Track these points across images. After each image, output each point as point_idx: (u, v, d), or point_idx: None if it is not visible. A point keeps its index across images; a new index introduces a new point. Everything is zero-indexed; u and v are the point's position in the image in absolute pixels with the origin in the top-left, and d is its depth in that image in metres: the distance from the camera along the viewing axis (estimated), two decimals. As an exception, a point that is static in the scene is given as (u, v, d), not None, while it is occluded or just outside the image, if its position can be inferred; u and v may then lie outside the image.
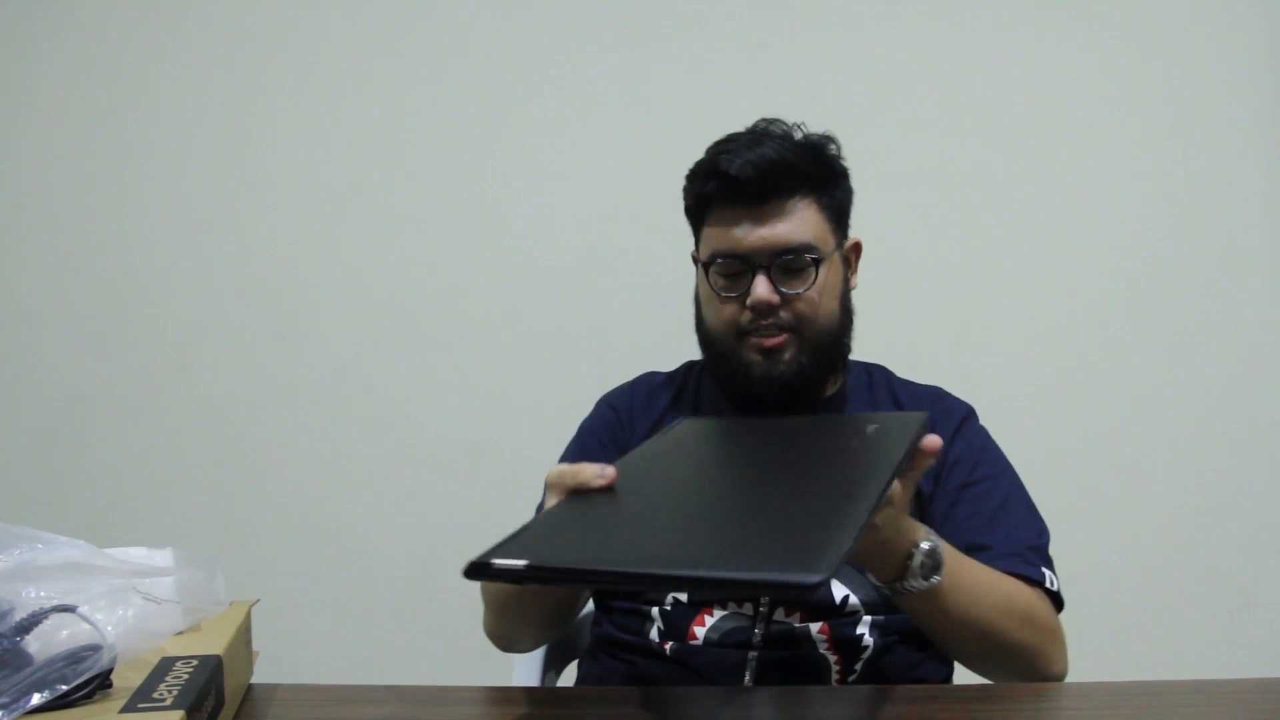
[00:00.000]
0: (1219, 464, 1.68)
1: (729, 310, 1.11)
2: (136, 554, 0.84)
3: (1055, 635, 0.98)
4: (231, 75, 1.75)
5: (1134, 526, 1.67)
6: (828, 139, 1.15)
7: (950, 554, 0.89)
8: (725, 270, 1.10)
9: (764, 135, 1.11)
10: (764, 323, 1.08)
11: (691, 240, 1.20)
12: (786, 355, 1.09)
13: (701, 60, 1.68)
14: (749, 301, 1.08)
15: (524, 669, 1.21)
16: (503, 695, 0.93)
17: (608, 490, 0.76)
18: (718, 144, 1.14)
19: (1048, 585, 1.00)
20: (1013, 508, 1.06)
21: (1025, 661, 0.95)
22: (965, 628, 0.92)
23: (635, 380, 1.28)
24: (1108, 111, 1.70)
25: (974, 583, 0.92)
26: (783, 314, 1.09)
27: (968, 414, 1.16)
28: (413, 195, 1.74)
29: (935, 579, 0.86)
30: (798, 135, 1.13)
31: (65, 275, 1.75)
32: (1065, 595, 1.01)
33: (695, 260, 1.20)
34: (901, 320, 1.63)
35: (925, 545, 0.86)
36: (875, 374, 1.21)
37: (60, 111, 1.75)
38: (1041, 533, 1.06)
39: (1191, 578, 1.67)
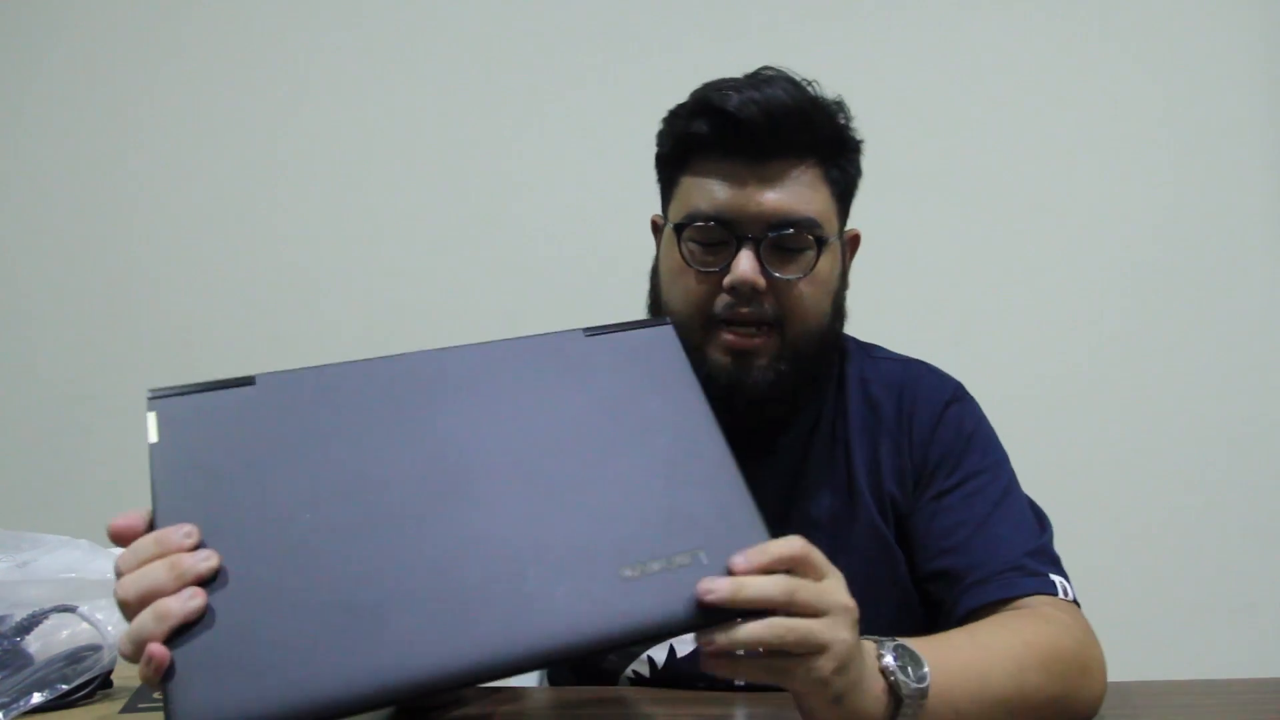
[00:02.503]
0: (1219, 464, 1.68)
1: (700, 289, 0.89)
2: (137, 554, 0.84)
3: (1083, 665, 0.78)
4: (234, 76, 1.75)
5: (1134, 526, 1.67)
6: (839, 103, 0.94)
7: (934, 669, 0.67)
8: (703, 237, 0.89)
9: (771, 77, 0.90)
10: (742, 310, 0.87)
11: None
12: (761, 361, 0.89)
13: (703, 58, 1.68)
14: (727, 281, 0.87)
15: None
16: (502, 695, 0.93)
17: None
18: (711, 83, 0.92)
19: (1060, 595, 0.83)
20: (1006, 508, 0.90)
21: (1055, 710, 0.76)
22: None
23: None
24: (1109, 111, 1.70)
25: (967, 694, 0.70)
26: (766, 303, 0.88)
27: (950, 399, 0.96)
28: (414, 196, 1.74)
29: (925, 669, 0.67)
30: (809, 90, 0.92)
31: (66, 275, 1.75)
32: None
33: (656, 226, 1.00)
34: (900, 318, 1.62)
35: (888, 645, 0.66)
36: (848, 359, 1.01)
37: (62, 112, 1.75)
38: (1043, 527, 0.90)
39: (1191, 578, 1.67)
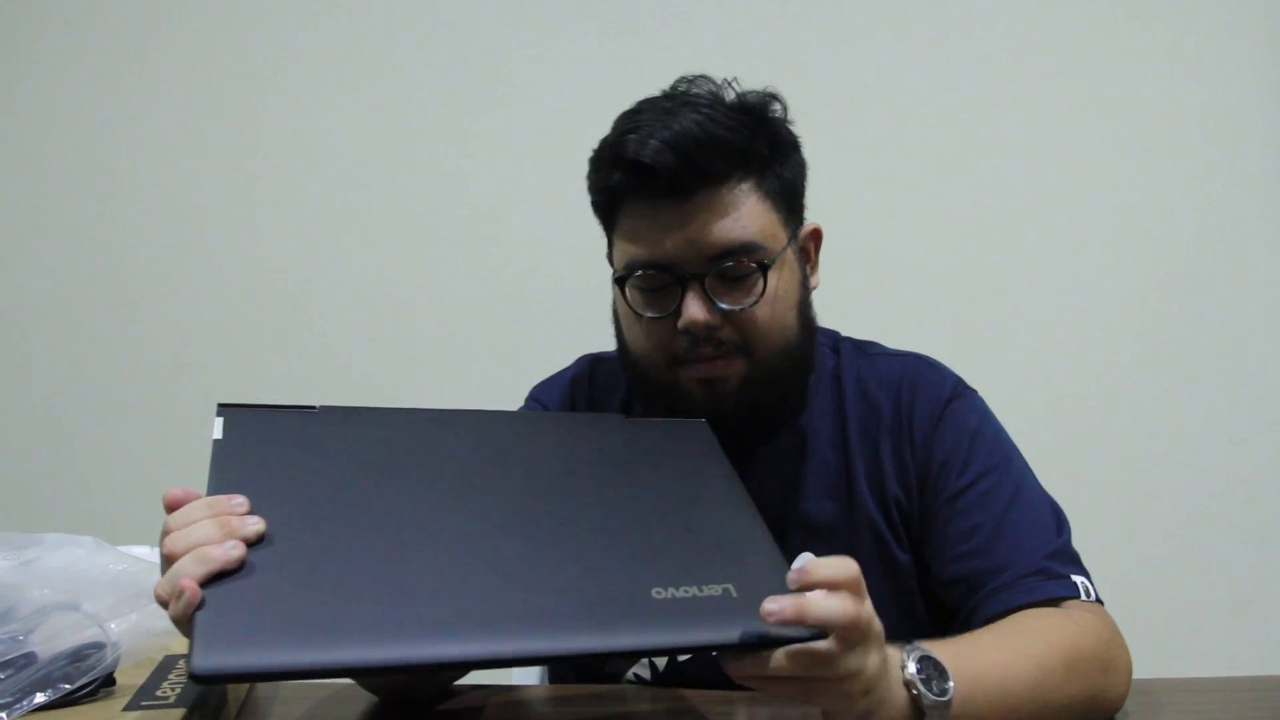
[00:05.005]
0: (1219, 463, 1.68)
1: (657, 335, 0.88)
2: (140, 553, 0.84)
3: (1107, 663, 0.79)
4: (230, 76, 1.75)
5: (1133, 525, 1.67)
6: (769, 97, 0.91)
7: (958, 676, 0.68)
8: (647, 284, 0.87)
9: (683, 103, 0.86)
10: (703, 350, 0.86)
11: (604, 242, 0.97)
12: (733, 386, 0.87)
13: (692, 55, 1.68)
14: (680, 324, 0.85)
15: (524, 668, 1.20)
16: (503, 692, 0.93)
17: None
18: (625, 117, 0.89)
19: (1083, 596, 0.82)
20: (1022, 506, 0.88)
21: (1080, 710, 0.77)
22: None
23: (575, 371, 1.07)
24: (1110, 108, 1.70)
25: (989, 700, 0.70)
26: (725, 334, 0.86)
27: (950, 396, 0.94)
28: (413, 195, 1.74)
29: (950, 684, 0.67)
30: (729, 96, 0.89)
31: (65, 275, 1.75)
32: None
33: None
34: (898, 320, 1.63)
35: (915, 654, 0.67)
36: (843, 359, 0.99)
37: (59, 111, 1.75)
38: (1060, 526, 0.88)
39: (1191, 577, 1.67)
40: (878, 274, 1.65)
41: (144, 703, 0.70)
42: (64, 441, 1.75)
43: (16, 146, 1.76)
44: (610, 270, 0.95)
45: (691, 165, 0.83)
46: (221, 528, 0.56)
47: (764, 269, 0.86)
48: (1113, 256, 1.70)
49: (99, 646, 0.73)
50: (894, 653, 0.66)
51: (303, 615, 0.53)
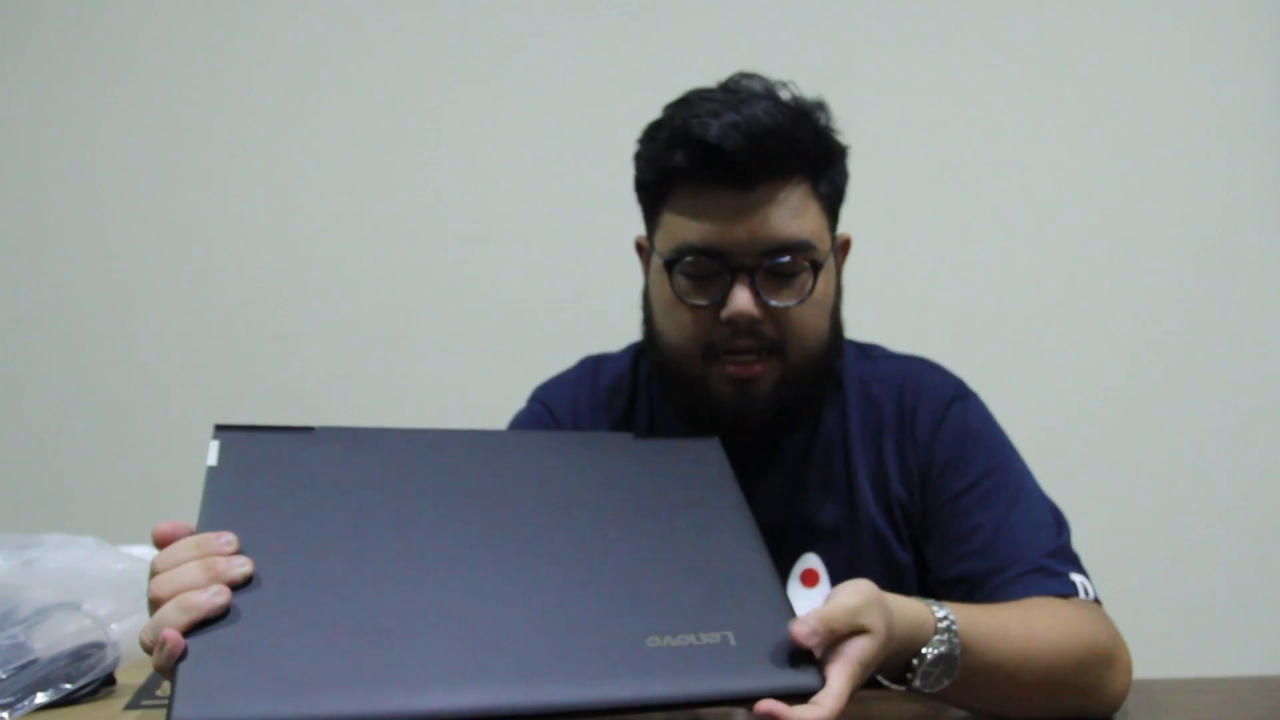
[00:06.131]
0: (1219, 463, 1.68)
1: (697, 323, 0.87)
2: (140, 553, 0.84)
3: (1112, 658, 0.80)
4: (229, 76, 1.75)
5: (1133, 524, 1.67)
6: (819, 105, 0.90)
7: (971, 633, 0.69)
8: (694, 270, 0.86)
9: (748, 94, 0.86)
10: (741, 342, 0.85)
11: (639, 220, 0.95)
12: (765, 387, 0.87)
13: (691, 57, 1.68)
14: (724, 314, 0.84)
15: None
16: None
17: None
18: (684, 101, 0.88)
19: (1082, 595, 0.83)
20: (1023, 507, 0.88)
21: (1080, 702, 0.78)
22: (1008, 702, 0.76)
23: (578, 373, 1.06)
24: (1111, 108, 1.70)
25: (1006, 659, 0.72)
26: (765, 329, 0.86)
27: (953, 398, 0.94)
28: (412, 195, 1.74)
29: (946, 682, 0.68)
30: (785, 96, 0.88)
31: (65, 275, 1.75)
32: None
33: (641, 249, 0.97)
34: (899, 324, 1.63)
35: (932, 652, 0.67)
36: (846, 362, 0.99)
37: (59, 110, 1.75)
38: (1060, 526, 0.89)
39: (1191, 577, 1.67)
40: (879, 277, 1.65)
41: (144, 702, 0.70)
42: (64, 441, 1.75)
43: (14, 148, 1.76)
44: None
45: (761, 154, 0.82)
46: (207, 571, 0.55)
47: (816, 268, 0.86)
48: (1108, 260, 1.70)
49: (99, 646, 0.73)
50: (925, 619, 0.67)
51: (287, 665, 0.52)
